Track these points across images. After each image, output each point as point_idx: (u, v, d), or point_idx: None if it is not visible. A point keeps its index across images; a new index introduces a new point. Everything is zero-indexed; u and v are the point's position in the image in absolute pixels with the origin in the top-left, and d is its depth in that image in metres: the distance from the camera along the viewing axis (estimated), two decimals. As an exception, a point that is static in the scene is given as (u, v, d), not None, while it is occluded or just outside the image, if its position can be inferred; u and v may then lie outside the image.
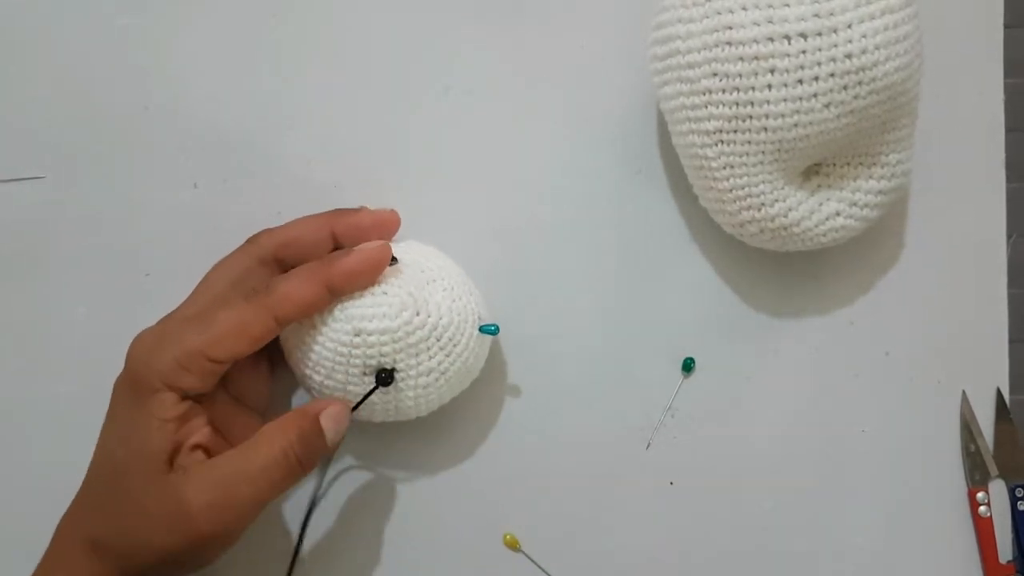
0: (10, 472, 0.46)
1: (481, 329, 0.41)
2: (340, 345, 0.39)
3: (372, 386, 0.40)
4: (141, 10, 0.47)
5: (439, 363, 0.40)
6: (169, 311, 0.40)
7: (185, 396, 0.37)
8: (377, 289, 0.39)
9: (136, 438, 0.37)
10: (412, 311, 0.39)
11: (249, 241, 0.42)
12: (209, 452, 0.38)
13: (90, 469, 0.39)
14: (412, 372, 0.40)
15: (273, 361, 0.43)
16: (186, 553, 0.36)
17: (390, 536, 0.46)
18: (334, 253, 0.40)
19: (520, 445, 0.46)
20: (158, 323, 0.39)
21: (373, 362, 0.39)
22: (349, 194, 0.46)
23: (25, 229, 0.46)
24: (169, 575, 0.37)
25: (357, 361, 0.39)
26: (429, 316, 0.39)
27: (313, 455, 0.38)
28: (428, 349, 0.40)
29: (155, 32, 0.47)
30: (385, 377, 0.39)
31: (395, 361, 0.39)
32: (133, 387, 0.37)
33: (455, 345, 0.40)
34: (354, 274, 0.39)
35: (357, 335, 0.39)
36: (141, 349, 0.38)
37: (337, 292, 0.39)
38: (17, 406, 0.46)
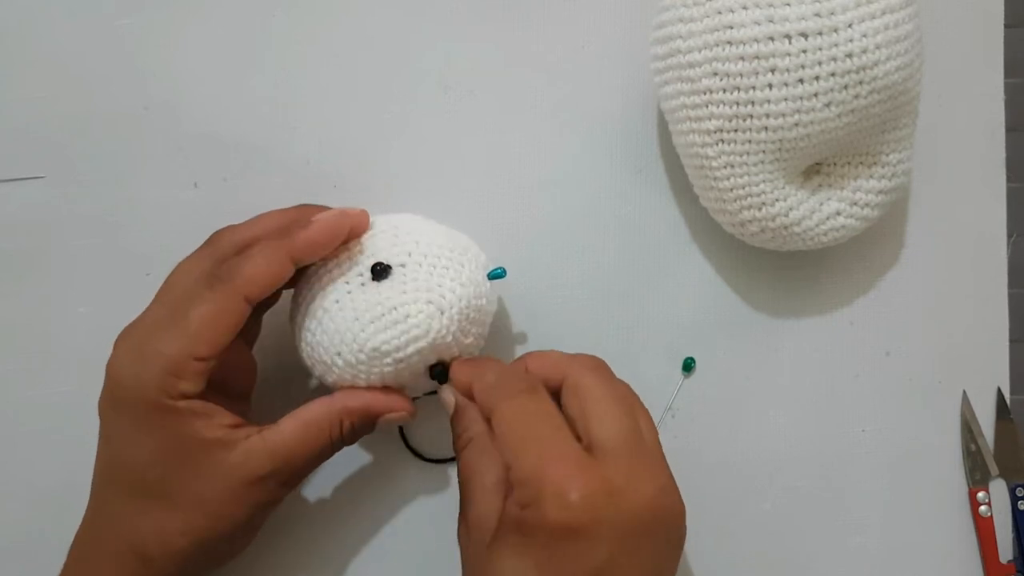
0: (10, 471, 0.46)
1: (490, 276, 0.42)
2: (385, 376, 0.39)
3: (428, 377, 0.40)
4: (141, 10, 0.47)
5: (477, 334, 0.41)
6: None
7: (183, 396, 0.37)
8: (397, 315, 0.38)
9: (164, 450, 0.37)
10: (438, 319, 0.39)
11: (209, 242, 0.41)
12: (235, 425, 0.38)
13: (104, 491, 0.38)
14: (459, 353, 0.40)
15: (250, 341, 0.43)
16: (222, 539, 0.38)
17: (395, 529, 0.46)
18: (292, 225, 0.39)
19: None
20: (128, 337, 0.38)
21: (422, 367, 0.40)
22: (348, 194, 0.47)
23: (25, 229, 0.46)
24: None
25: (405, 374, 0.40)
26: (452, 308, 0.39)
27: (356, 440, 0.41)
28: (464, 333, 0.40)
29: (155, 32, 0.47)
30: (440, 372, 0.40)
31: (441, 356, 0.40)
32: (132, 407, 0.37)
33: (483, 314, 0.41)
34: (316, 244, 0.39)
35: (401, 362, 0.39)
36: (123, 368, 0.37)
37: (300, 263, 0.39)
38: (17, 406, 0.46)
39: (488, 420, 0.38)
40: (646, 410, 0.39)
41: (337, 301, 0.39)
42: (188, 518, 0.37)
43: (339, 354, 0.39)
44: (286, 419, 0.39)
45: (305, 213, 0.41)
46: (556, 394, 0.38)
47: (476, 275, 0.41)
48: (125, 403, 0.37)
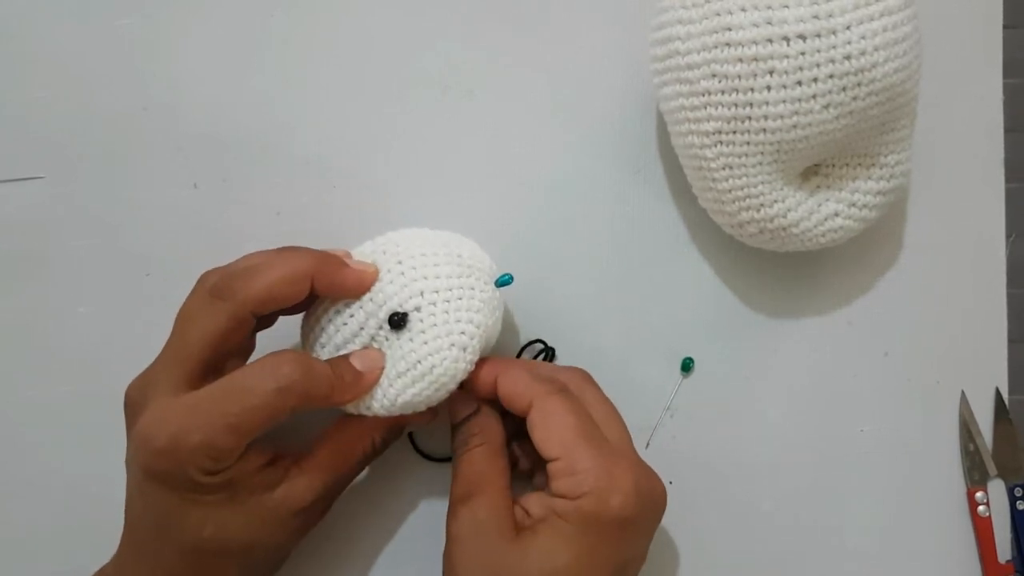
0: (10, 471, 0.46)
1: (497, 284, 0.42)
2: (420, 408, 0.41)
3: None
4: (141, 10, 0.47)
5: (489, 346, 0.42)
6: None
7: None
8: (423, 367, 0.39)
9: (214, 515, 0.37)
10: (462, 358, 0.39)
11: (222, 296, 0.37)
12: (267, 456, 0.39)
13: (151, 541, 0.37)
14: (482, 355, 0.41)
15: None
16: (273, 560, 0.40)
17: (403, 528, 0.46)
18: (326, 256, 0.39)
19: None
20: (154, 400, 0.36)
21: None
22: (348, 195, 0.47)
23: (25, 229, 0.46)
24: None
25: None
26: (473, 340, 0.40)
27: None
28: (484, 352, 0.41)
29: (155, 32, 0.47)
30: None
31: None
32: (172, 483, 0.36)
33: (497, 326, 0.42)
34: (342, 287, 0.40)
35: (431, 404, 0.40)
36: (157, 440, 0.35)
37: (318, 292, 0.39)
38: (17, 406, 0.46)
39: (514, 413, 0.40)
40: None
41: None
42: (244, 557, 0.38)
43: (368, 408, 0.40)
44: (319, 444, 0.40)
45: (323, 271, 0.39)
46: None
47: (487, 293, 0.41)
48: (164, 478, 0.36)
